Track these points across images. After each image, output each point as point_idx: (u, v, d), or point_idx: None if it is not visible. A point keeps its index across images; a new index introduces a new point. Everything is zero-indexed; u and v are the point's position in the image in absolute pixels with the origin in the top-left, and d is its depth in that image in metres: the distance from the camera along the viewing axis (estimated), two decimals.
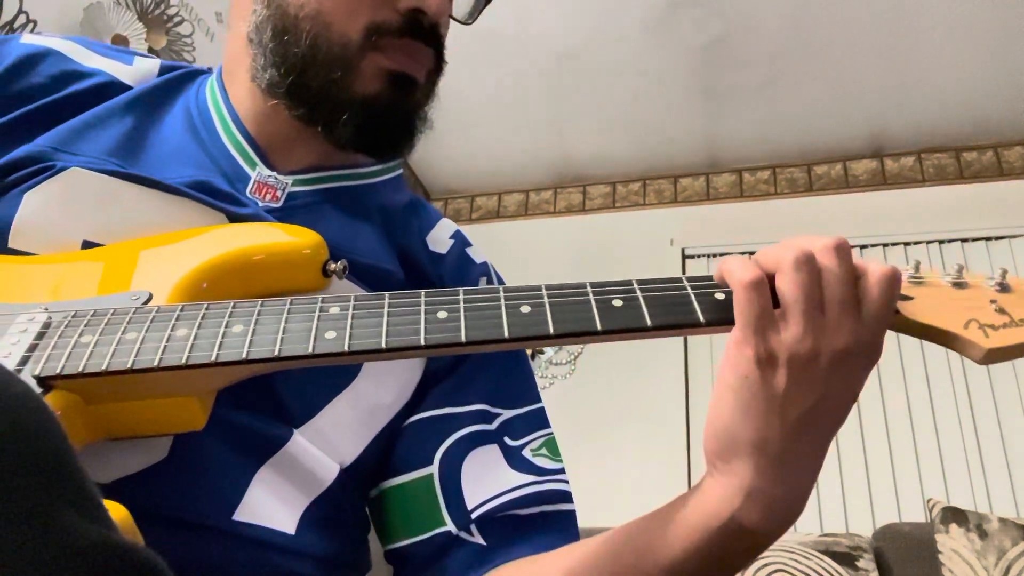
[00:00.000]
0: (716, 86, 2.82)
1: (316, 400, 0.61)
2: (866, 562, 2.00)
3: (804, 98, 2.83)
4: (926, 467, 2.49)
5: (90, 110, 0.66)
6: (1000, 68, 2.64)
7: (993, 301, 0.48)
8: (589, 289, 0.50)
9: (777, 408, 0.45)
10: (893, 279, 0.46)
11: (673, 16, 2.55)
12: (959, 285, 0.50)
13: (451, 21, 0.71)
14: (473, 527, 0.63)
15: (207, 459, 0.55)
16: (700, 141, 3.10)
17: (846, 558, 2.00)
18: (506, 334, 0.48)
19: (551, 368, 2.97)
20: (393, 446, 0.67)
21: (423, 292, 0.51)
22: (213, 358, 0.47)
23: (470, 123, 3.05)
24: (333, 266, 0.60)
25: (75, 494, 0.29)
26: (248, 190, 0.66)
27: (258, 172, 0.67)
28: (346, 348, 0.47)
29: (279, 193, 0.67)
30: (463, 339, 0.47)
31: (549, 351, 2.99)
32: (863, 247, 2.88)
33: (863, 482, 2.51)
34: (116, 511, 0.38)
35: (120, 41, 1.96)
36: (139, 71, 0.72)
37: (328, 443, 0.62)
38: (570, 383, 2.92)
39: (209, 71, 0.76)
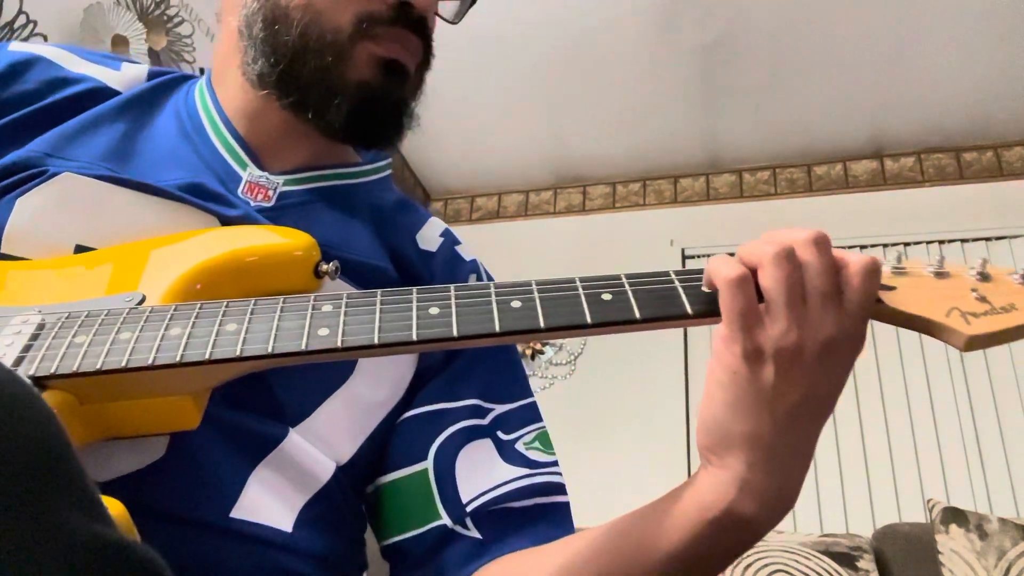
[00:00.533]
0: (716, 86, 2.82)
1: (311, 399, 0.62)
2: (866, 562, 2.00)
3: (804, 98, 2.84)
4: (926, 467, 2.49)
5: (80, 115, 0.66)
6: (1000, 68, 2.64)
7: (974, 290, 0.49)
8: (579, 283, 0.50)
9: (766, 401, 0.46)
10: (873, 269, 0.46)
11: (673, 16, 2.55)
12: (940, 275, 0.51)
13: (438, 20, 0.72)
14: (468, 521, 0.63)
15: (204, 457, 0.55)
16: (700, 141, 3.11)
17: (846, 558, 2.00)
18: (497, 328, 0.48)
19: (551, 368, 2.97)
20: (388, 443, 0.67)
21: (415, 289, 0.51)
22: (207, 356, 0.47)
23: (470, 123, 3.05)
24: (325, 267, 0.60)
25: (74, 491, 0.29)
26: (240, 190, 0.66)
27: (249, 172, 0.67)
28: (339, 344, 0.48)
29: (270, 193, 0.67)
30: (455, 334, 0.48)
31: (549, 352, 2.99)
32: (863, 247, 2.87)
33: (863, 482, 2.51)
34: (114, 508, 0.38)
35: (120, 41, 1.96)
36: (127, 76, 0.73)
37: (324, 441, 0.62)
38: (570, 383, 2.93)
39: (198, 76, 0.76)
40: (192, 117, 0.70)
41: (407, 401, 0.68)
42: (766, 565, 1.96)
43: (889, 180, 3.02)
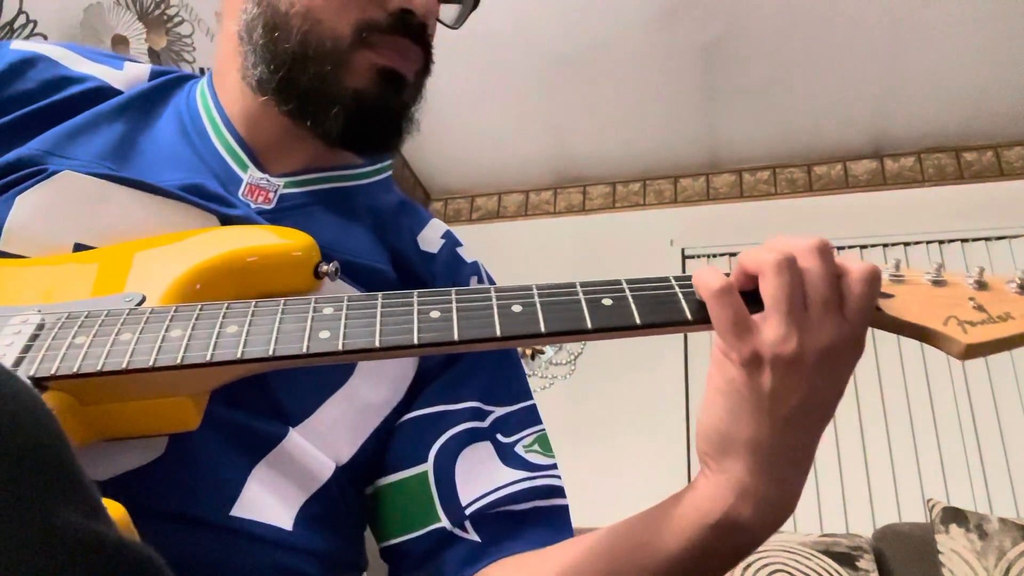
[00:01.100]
0: (716, 86, 2.82)
1: (311, 399, 0.62)
2: (866, 562, 2.00)
3: (804, 98, 2.84)
4: (926, 467, 2.49)
5: (81, 114, 0.66)
6: (1000, 68, 2.64)
7: (971, 299, 0.49)
8: (579, 288, 0.51)
9: (765, 408, 0.46)
10: (873, 277, 0.47)
11: (673, 16, 2.55)
12: (938, 283, 0.51)
13: (439, 25, 0.72)
14: (467, 523, 0.63)
15: (204, 456, 0.55)
16: (700, 141, 3.10)
17: (846, 558, 2.00)
18: (498, 333, 0.48)
19: (551, 368, 2.97)
20: (388, 444, 0.67)
21: (415, 292, 0.51)
22: (208, 358, 0.47)
23: (470, 124, 3.05)
24: (325, 268, 0.60)
25: (73, 492, 0.29)
26: (240, 192, 0.66)
27: (249, 174, 0.67)
28: (340, 347, 0.48)
29: (271, 195, 0.67)
30: (456, 338, 0.48)
31: (549, 351, 2.99)
32: (863, 247, 2.88)
33: (863, 482, 2.51)
34: (114, 509, 0.38)
35: (120, 41, 1.96)
36: (129, 76, 0.73)
37: (324, 441, 0.62)
38: (570, 383, 2.93)
39: (199, 76, 0.76)
40: (193, 118, 0.70)
41: (407, 402, 0.68)
42: (766, 565, 1.96)
43: (889, 180, 3.02)
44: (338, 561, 0.63)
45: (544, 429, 0.72)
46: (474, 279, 0.76)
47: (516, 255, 3.14)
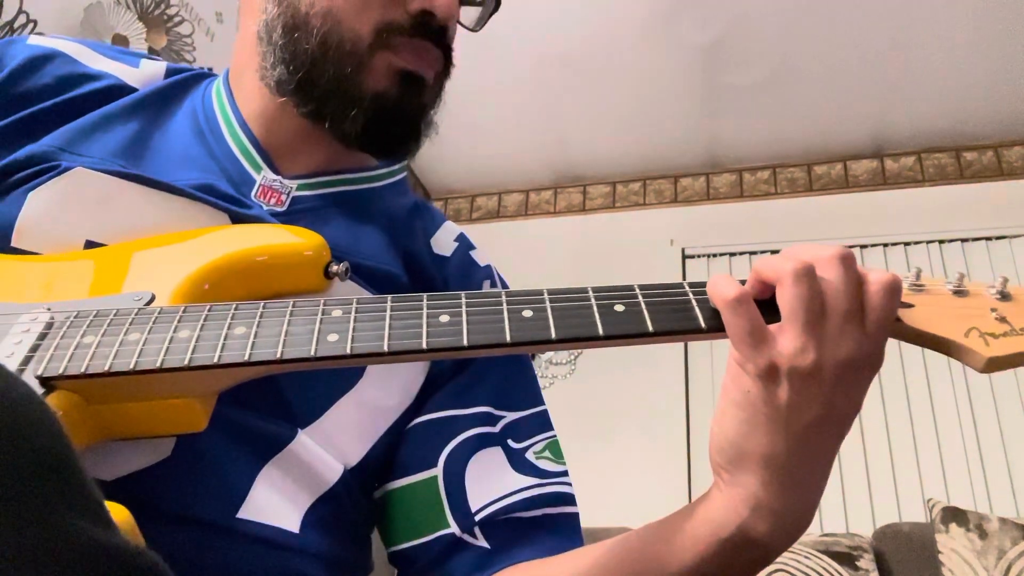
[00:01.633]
0: (716, 86, 2.82)
1: (321, 402, 0.61)
2: (866, 562, 2.00)
3: (804, 98, 2.84)
4: (926, 467, 2.49)
5: (96, 111, 0.66)
6: (1000, 68, 2.64)
7: (994, 310, 0.48)
8: (591, 294, 0.50)
9: (782, 421, 0.45)
10: (894, 288, 0.45)
11: (673, 16, 2.55)
12: (960, 293, 0.50)
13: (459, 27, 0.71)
14: (477, 530, 0.63)
15: (211, 457, 0.55)
16: (700, 141, 3.10)
17: (846, 558, 2.00)
18: (508, 338, 0.47)
19: (551, 368, 2.97)
20: (397, 448, 0.67)
21: (425, 296, 0.51)
22: (216, 360, 0.47)
23: (470, 123, 3.05)
24: (335, 268, 0.60)
25: (77, 496, 0.29)
26: (253, 194, 0.66)
27: (263, 176, 0.67)
28: (348, 351, 0.47)
29: (284, 197, 0.67)
30: (465, 343, 0.47)
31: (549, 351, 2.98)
32: (863, 247, 2.88)
33: (863, 482, 2.51)
34: (118, 513, 0.38)
35: (120, 41, 1.96)
36: (145, 74, 0.72)
37: (332, 444, 0.62)
38: (570, 383, 2.93)
39: (215, 74, 0.76)
40: (208, 117, 0.70)
41: (417, 406, 0.68)
42: None
43: (889, 180, 3.02)
44: (344, 564, 0.63)
45: (555, 435, 0.71)
46: (487, 283, 0.75)
47: (516, 255, 3.14)
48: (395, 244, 0.70)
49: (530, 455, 0.68)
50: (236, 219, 0.62)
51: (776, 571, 1.95)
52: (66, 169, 0.60)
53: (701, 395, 2.77)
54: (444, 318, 0.49)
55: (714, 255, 3.03)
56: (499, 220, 3.39)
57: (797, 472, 0.46)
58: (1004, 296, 0.49)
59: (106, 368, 0.47)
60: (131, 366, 0.47)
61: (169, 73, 0.74)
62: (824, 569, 1.96)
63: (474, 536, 0.63)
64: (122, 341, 0.48)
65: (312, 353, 0.47)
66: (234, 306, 0.51)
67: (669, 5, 2.51)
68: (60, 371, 0.46)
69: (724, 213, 3.13)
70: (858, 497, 2.49)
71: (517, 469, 0.66)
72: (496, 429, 0.68)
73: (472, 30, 0.73)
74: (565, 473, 0.69)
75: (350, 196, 0.71)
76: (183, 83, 0.73)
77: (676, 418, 2.75)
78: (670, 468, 2.64)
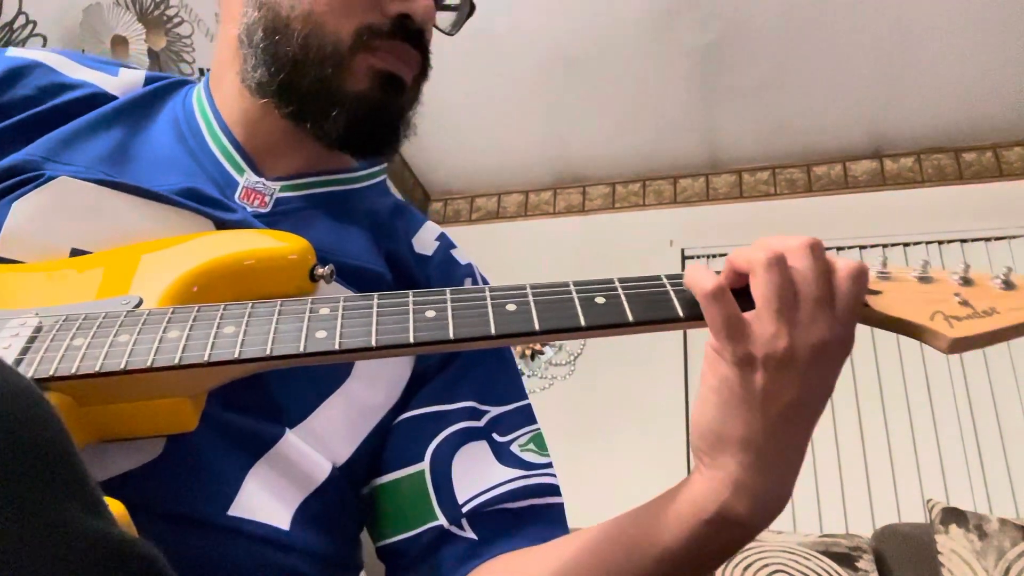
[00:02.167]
0: (716, 86, 2.82)
1: (309, 401, 0.62)
2: (866, 563, 2.00)
3: (804, 98, 2.84)
4: (926, 467, 2.49)
5: (77, 120, 0.67)
6: (999, 68, 2.64)
7: (957, 294, 0.50)
8: (572, 287, 0.51)
9: (758, 405, 0.46)
10: (861, 274, 0.48)
11: (673, 17, 2.56)
12: (925, 279, 0.52)
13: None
14: (464, 521, 0.64)
15: (202, 456, 0.56)
16: (700, 141, 3.11)
17: (846, 559, 2.00)
18: (493, 331, 0.49)
19: (551, 368, 2.97)
20: (384, 444, 0.68)
21: (411, 292, 0.52)
22: (206, 358, 0.47)
23: (470, 124, 3.05)
24: (320, 271, 0.61)
25: (77, 489, 0.30)
26: (236, 196, 0.67)
27: (246, 178, 0.68)
28: (337, 347, 0.48)
29: (267, 199, 0.68)
30: (451, 336, 0.48)
31: (549, 352, 2.99)
32: (863, 247, 2.87)
33: (863, 483, 2.51)
34: (114, 507, 0.38)
35: (120, 42, 1.96)
36: (125, 82, 0.73)
37: (321, 443, 0.62)
38: (570, 383, 2.93)
39: (195, 81, 0.77)
40: (190, 122, 0.71)
41: (404, 403, 0.69)
42: (766, 565, 1.96)
43: (889, 180, 3.02)
44: (335, 561, 0.63)
45: (539, 428, 0.73)
46: (468, 281, 0.77)
47: (516, 255, 3.14)
48: (378, 244, 0.71)
49: (515, 448, 0.69)
50: (220, 225, 0.63)
51: (776, 571, 1.95)
52: (50, 178, 0.60)
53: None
54: (430, 313, 0.50)
55: (714, 255, 3.04)
56: (499, 221, 3.39)
57: (774, 454, 0.48)
58: (966, 281, 0.52)
59: (96, 368, 0.47)
60: (122, 366, 0.47)
61: (148, 81, 0.75)
62: (824, 570, 1.96)
63: (461, 528, 0.64)
64: (112, 342, 0.48)
65: (301, 349, 0.48)
66: (223, 307, 0.52)
67: (668, 6, 2.52)
68: (51, 372, 0.47)
69: (724, 214, 3.13)
70: (858, 498, 2.49)
71: (502, 462, 0.67)
72: (481, 423, 0.69)
73: (448, 34, 0.75)
74: (549, 465, 0.70)
75: (333, 197, 0.72)
76: (163, 90, 0.74)
77: (675, 418, 2.75)
78: (670, 468, 2.64)
